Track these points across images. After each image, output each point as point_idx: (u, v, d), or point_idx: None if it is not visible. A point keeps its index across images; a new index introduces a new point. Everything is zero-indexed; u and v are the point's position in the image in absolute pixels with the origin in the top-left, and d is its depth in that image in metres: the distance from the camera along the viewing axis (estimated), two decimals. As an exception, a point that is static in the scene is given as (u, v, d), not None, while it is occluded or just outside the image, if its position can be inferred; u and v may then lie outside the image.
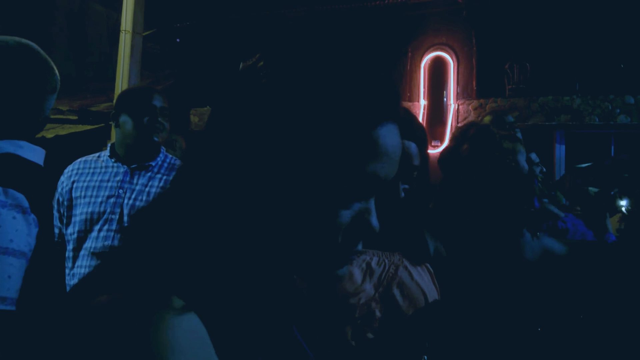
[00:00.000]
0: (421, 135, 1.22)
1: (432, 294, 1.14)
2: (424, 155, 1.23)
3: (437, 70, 6.24)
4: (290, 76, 0.52)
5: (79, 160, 2.01)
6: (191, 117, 6.66)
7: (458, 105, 6.11)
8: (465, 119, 6.06)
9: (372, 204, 0.55)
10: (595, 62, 5.60)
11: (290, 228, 0.52)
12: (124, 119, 1.93)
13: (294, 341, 0.61)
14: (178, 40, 7.24)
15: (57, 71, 1.30)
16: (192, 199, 0.53)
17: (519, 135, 1.52)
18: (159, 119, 1.93)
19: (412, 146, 1.20)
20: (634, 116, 5.52)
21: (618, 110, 5.56)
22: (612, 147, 5.84)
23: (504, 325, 1.06)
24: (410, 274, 1.13)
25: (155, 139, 1.92)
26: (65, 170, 1.99)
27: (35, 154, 1.25)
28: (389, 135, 0.52)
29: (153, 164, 1.94)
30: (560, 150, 5.86)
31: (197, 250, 0.51)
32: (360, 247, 0.55)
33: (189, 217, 0.52)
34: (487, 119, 2.01)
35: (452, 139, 1.24)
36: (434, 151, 6.08)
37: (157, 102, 1.94)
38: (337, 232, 0.52)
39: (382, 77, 0.54)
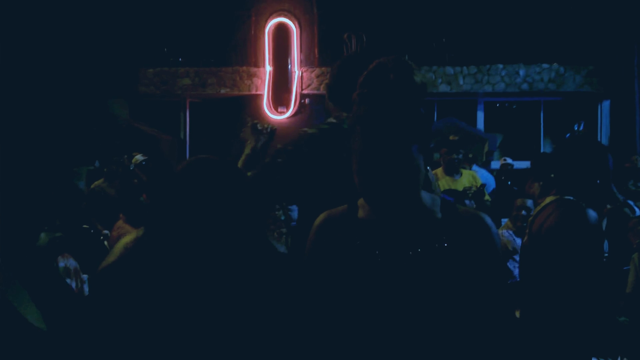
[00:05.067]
0: None
1: None
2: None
3: (281, 36, 6.30)
4: None
5: None
6: None
7: (302, 72, 6.28)
8: (308, 86, 6.27)
9: None
10: (421, 35, 6.17)
11: None
12: None
13: None
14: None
15: None
16: None
17: None
18: None
19: None
20: (453, 85, 6.25)
21: (440, 80, 6.24)
22: (435, 113, 6.56)
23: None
24: None
25: None
26: None
27: None
28: None
29: None
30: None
31: None
32: None
33: None
34: None
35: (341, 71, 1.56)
36: (281, 117, 6.20)
37: None
38: None
39: None
